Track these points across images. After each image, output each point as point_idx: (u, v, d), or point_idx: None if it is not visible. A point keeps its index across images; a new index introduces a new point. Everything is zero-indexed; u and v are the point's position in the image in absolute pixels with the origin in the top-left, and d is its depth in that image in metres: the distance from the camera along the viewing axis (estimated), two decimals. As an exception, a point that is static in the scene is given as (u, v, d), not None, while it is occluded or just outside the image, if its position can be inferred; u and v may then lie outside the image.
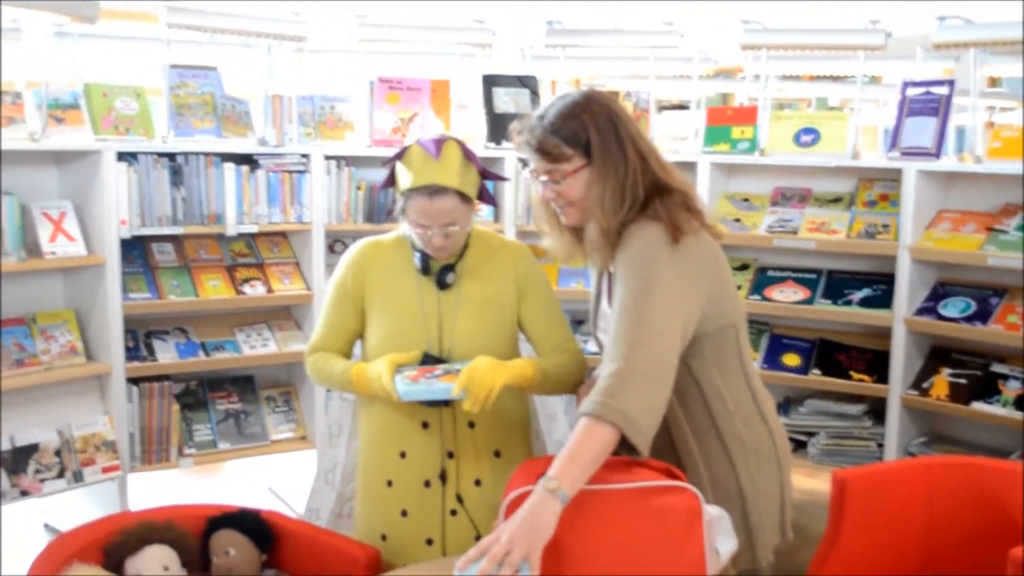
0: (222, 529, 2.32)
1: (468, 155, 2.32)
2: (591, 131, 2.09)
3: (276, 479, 4.50)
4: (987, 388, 3.54)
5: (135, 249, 3.78)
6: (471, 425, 2.35)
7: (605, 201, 2.08)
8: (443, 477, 2.34)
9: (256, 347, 3.98)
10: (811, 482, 4.35)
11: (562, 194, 2.13)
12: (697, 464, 2.13)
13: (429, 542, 2.35)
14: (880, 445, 3.80)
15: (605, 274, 2.25)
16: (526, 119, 2.17)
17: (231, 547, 2.28)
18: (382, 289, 2.39)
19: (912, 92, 3.71)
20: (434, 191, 2.24)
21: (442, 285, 2.37)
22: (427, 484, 2.35)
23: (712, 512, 1.90)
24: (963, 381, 3.61)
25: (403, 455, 2.37)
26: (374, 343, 2.38)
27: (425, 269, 2.37)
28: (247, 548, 2.30)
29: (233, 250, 4.02)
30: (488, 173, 2.38)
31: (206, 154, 3.77)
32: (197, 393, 3.98)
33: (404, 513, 2.36)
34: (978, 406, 3.50)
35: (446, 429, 2.35)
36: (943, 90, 3.63)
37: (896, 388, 3.70)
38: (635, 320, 1.95)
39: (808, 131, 3.94)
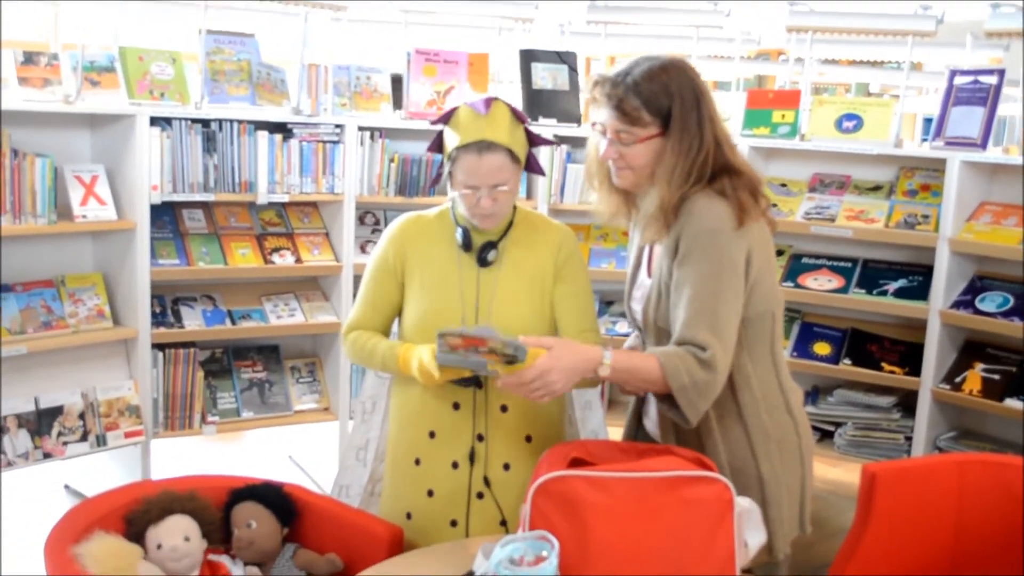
0: (245, 501, 2.30)
1: (517, 115, 2.25)
2: (675, 102, 2.04)
3: (297, 449, 4.51)
4: (1021, 384, 3.48)
5: (165, 215, 3.77)
6: (503, 408, 2.31)
7: (674, 176, 2.04)
8: (472, 459, 2.31)
9: (283, 317, 3.97)
10: (835, 472, 4.32)
11: (626, 157, 2.09)
12: (718, 449, 2.11)
13: (453, 523, 2.33)
14: (908, 438, 3.75)
15: (646, 246, 2.21)
16: (604, 72, 2.11)
17: (253, 520, 2.27)
18: (422, 264, 2.34)
19: (960, 81, 3.62)
20: (484, 147, 2.17)
21: (483, 262, 2.31)
22: (455, 465, 2.32)
23: (743, 504, 1.86)
24: (996, 377, 3.56)
25: (432, 435, 2.33)
26: (411, 320, 2.34)
27: (467, 245, 2.31)
28: (269, 521, 2.28)
29: (263, 219, 4.01)
30: (535, 137, 2.31)
31: (240, 121, 3.74)
32: (222, 361, 3.97)
33: (430, 493, 2.34)
34: (1011, 403, 3.44)
35: (478, 411, 2.31)
36: (992, 79, 3.55)
37: (928, 381, 3.65)
38: (711, 304, 1.99)
39: (851, 117, 3.87)
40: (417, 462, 2.35)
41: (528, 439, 2.34)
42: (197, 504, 2.22)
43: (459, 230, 2.31)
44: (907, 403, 3.78)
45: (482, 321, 2.28)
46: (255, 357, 4.05)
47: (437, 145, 2.30)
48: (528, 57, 4.24)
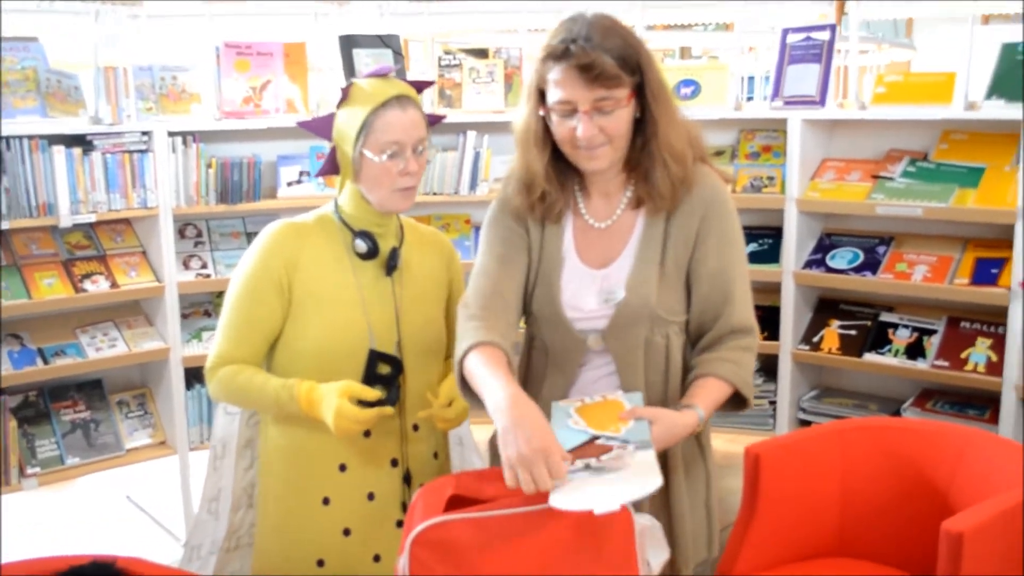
0: (71, 585, 1.99)
1: (414, 85, 2.11)
2: (641, 53, 1.83)
3: (135, 490, 4.18)
4: (878, 338, 3.51)
5: (-47, 249, 3.36)
6: (415, 427, 2.14)
7: (682, 133, 1.89)
8: (407, 480, 2.13)
9: (103, 349, 3.61)
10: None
11: (607, 129, 1.83)
12: (679, 469, 2.00)
13: (377, 558, 2.12)
14: (772, 403, 3.73)
15: (569, 229, 1.97)
16: (550, 43, 1.84)
17: (83, 605, 1.97)
18: (313, 280, 2.08)
19: (793, 39, 3.60)
20: (404, 102, 2.02)
21: (390, 270, 2.12)
22: (371, 497, 2.11)
23: (643, 522, 1.70)
24: (853, 332, 3.57)
25: (343, 468, 2.10)
26: (308, 343, 2.08)
27: (372, 252, 2.09)
28: (102, 604, 1.98)
29: (70, 243, 3.63)
30: (430, 116, 2.15)
31: (30, 137, 3.36)
32: (37, 405, 3.58)
33: (347, 532, 2.11)
34: (870, 357, 3.47)
35: (391, 434, 2.11)
36: (824, 35, 3.53)
37: (787, 344, 3.64)
38: (745, 287, 1.96)
39: (688, 83, 3.80)
40: (326, 501, 2.11)
41: (435, 456, 2.21)
42: (12, 597, 1.90)
43: (360, 238, 2.09)
44: (768, 367, 3.75)
45: (398, 333, 2.11)
46: (75, 396, 3.67)
47: (329, 131, 2.09)
48: (348, 43, 3.98)
